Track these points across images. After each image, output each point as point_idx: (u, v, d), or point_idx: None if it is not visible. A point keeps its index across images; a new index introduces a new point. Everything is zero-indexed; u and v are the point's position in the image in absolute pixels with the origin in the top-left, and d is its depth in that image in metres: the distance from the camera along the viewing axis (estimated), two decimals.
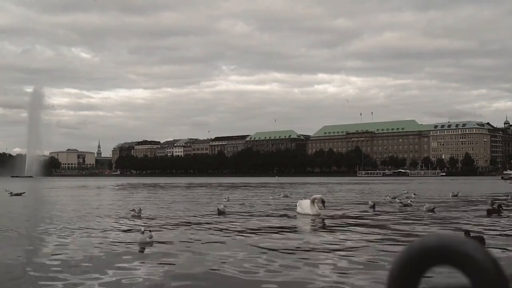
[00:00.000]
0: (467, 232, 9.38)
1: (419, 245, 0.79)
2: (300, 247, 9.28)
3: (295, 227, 13.04)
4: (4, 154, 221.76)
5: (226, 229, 12.04)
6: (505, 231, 11.85)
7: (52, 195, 33.81)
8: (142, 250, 8.94)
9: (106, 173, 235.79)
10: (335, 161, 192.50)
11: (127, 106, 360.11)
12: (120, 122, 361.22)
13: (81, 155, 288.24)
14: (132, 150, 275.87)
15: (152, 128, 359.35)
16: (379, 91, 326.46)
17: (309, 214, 15.45)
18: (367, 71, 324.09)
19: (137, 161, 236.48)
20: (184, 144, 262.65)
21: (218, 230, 11.87)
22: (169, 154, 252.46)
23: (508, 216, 15.27)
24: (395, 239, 10.25)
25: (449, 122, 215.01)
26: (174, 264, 7.60)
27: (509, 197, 23.80)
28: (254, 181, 72.39)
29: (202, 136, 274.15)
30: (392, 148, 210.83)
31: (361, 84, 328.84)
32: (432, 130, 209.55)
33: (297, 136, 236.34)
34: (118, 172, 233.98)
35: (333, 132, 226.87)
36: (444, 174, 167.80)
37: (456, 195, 26.68)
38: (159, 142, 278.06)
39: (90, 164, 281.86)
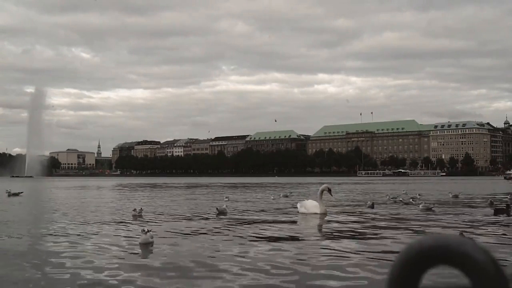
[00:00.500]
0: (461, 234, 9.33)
1: (418, 245, 0.79)
2: (300, 247, 9.26)
3: (297, 228, 13.00)
4: (4, 154, 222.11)
5: (226, 229, 12.00)
6: None
7: (52, 195, 33.75)
8: (144, 250, 8.92)
9: (106, 173, 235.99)
10: (335, 161, 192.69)
11: (127, 106, 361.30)
12: (120, 122, 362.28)
13: (81, 155, 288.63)
14: (132, 150, 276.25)
15: (152, 128, 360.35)
16: (379, 91, 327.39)
17: (316, 213, 15.39)
18: (367, 71, 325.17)
19: (137, 161, 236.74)
20: (184, 144, 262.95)
21: (218, 230, 11.83)
22: (169, 154, 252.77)
23: None
24: (394, 239, 10.21)
25: (449, 122, 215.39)
26: (175, 264, 7.58)
27: (509, 197, 23.70)
28: (254, 181, 72.37)
29: (202, 136, 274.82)
30: (392, 148, 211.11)
31: (361, 84, 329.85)
32: (432, 130, 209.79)
33: (297, 136, 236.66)
34: (118, 172, 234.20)
35: (333, 132, 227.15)
36: (444, 174, 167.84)
37: (457, 196, 25.62)
38: (159, 142, 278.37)
39: (90, 164, 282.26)
